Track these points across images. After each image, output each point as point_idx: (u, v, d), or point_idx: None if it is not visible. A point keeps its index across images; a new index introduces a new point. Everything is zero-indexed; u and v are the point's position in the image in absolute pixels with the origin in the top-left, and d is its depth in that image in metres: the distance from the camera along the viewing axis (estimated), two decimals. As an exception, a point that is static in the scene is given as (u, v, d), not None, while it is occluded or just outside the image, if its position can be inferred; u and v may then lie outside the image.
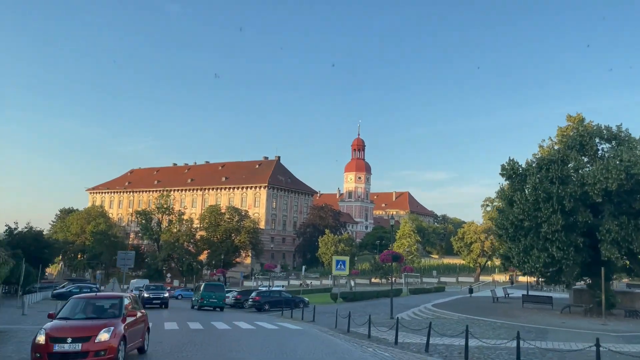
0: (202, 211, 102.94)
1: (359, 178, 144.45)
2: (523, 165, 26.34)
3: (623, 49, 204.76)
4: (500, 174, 26.50)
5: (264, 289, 66.47)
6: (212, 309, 31.55)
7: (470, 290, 37.39)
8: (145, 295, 32.41)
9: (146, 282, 64.30)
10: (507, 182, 26.64)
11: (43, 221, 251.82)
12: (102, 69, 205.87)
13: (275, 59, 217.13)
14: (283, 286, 74.99)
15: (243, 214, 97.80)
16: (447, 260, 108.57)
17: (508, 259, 26.11)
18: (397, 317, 18.64)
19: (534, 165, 25.97)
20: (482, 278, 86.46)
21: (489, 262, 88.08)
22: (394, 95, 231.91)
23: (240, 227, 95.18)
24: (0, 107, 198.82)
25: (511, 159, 26.31)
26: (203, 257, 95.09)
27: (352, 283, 61.94)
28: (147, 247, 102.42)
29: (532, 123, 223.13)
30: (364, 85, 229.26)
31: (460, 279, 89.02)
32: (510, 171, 26.13)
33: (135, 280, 67.66)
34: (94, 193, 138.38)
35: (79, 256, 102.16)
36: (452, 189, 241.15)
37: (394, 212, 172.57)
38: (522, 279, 78.17)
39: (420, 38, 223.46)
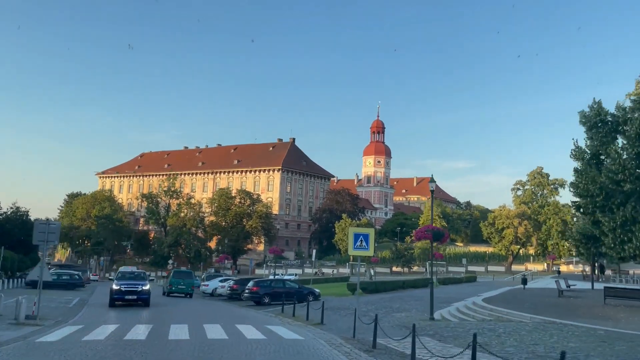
0: (213, 193, 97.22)
1: (379, 162, 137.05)
2: (613, 111, 19.08)
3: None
4: (580, 122, 19.30)
5: (277, 277, 60.37)
6: (183, 295, 31.53)
7: (524, 281, 30.31)
8: (115, 287, 23.84)
9: (133, 269, 58.80)
10: (589, 133, 19.40)
11: (53, 207, 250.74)
12: (111, 55, 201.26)
13: (289, 40, 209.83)
14: (296, 275, 68.68)
15: (255, 197, 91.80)
16: (474, 248, 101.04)
17: (594, 238, 18.96)
18: (466, 331, 11.80)
19: (627, 108, 18.68)
20: (514, 267, 79.01)
21: (521, 250, 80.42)
22: (413, 82, 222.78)
23: (251, 212, 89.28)
24: (17, 98, 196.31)
25: (596, 100, 19.08)
26: (213, 244, 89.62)
27: (372, 272, 55.12)
28: (157, 234, 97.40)
29: (554, 114, 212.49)
30: (383, 70, 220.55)
31: (490, 267, 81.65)
32: (595, 118, 18.94)
33: (124, 267, 62.52)
34: (103, 177, 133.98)
35: (86, 243, 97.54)
36: (472, 178, 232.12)
37: (415, 198, 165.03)
38: (564, 268, 70.43)
39: (431, 25, 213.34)
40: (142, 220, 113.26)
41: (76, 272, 46.47)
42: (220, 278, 34.15)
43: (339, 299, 26.42)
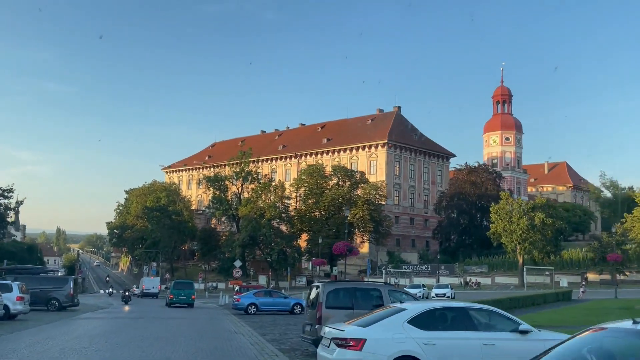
0: (298, 174, 71.85)
1: (507, 139, 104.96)
2: None
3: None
4: None
5: (417, 291, 32.93)
6: (186, 305, 31.01)
7: None
8: None
9: (157, 281, 45.19)
10: None
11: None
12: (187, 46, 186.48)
13: None
14: (451, 289, 40.37)
15: (358, 177, 65.16)
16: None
17: None
18: None
19: None
20: None
21: None
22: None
23: (354, 197, 62.70)
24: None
25: None
26: (302, 243, 64.06)
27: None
28: (227, 231, 73.74)
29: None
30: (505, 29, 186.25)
31: None
32: None
33: (147, 277, 44.68)
34: (170, 172, 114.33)
35: (141, 246, 75.81)
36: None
37: (550, 188, 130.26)
38: None
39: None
40: (214, 220, 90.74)
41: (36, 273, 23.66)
42: (432, 305, 6.66)
43: None
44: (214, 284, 60.23)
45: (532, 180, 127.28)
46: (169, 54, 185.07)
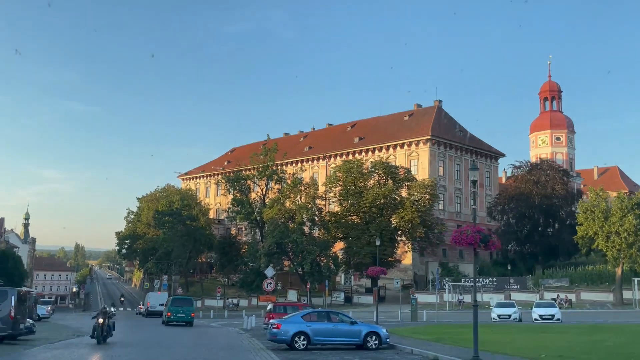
0: (331, 171, 62.36)
1: (557, 139, 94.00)
2: None
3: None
4: None
5: (512, 312, 22.95)
6: (184, 324, 28.79)
7: None
8: None
9: (164, 296, 38.18)
10: None
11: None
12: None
13: None
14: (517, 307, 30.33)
15: (402, 174, 55.46)
16: None
17: None
18: None
19: None
20: None
21: None
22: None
23: (400, 199, 53.07)
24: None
25: None
26: (337, 251, 54.48)
27: None
28: (250, 238, 64.46)
29: None
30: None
31: None
32: None
33: (152, 292, 42.51)
34: (187, 179, 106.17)
35: (150, 257, 67.03)
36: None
37: (602, 193, 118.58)
38: None
39: None
40: (235, 229, 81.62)
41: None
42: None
43: None
44: (235, 301, 50.91)
45: (582, 185, 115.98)
46: (189, 72, 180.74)
